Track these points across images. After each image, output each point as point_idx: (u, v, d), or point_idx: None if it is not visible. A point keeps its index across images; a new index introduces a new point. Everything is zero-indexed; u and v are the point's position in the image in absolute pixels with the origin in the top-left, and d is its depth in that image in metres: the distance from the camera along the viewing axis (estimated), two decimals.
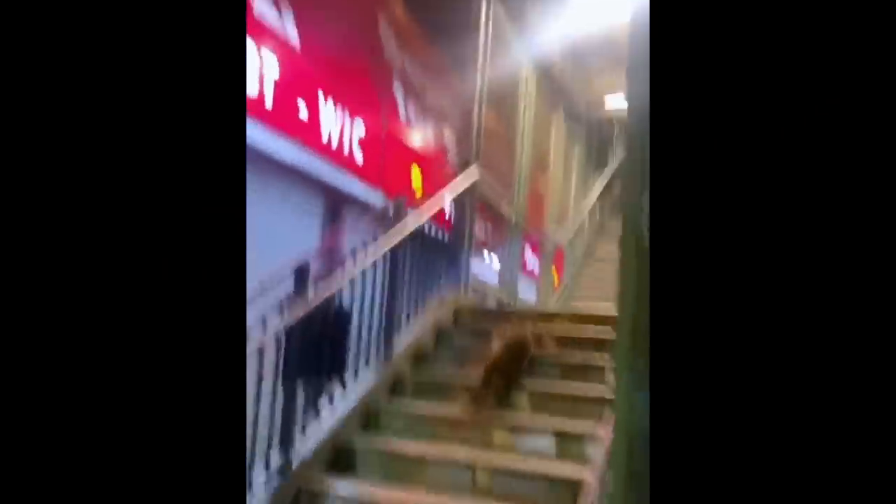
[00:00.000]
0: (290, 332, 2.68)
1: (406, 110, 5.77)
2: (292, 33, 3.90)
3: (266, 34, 3.59)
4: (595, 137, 8.88)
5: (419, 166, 5.91)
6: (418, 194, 5.09)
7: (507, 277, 5.70)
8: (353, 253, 3.23)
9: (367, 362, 3.38)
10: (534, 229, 6.46)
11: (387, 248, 3.42)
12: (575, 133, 7.89)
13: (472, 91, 4.73)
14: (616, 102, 7.77)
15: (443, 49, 5.50)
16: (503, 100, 5.35)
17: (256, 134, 3.59)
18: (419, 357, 3.81)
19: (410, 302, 3.83)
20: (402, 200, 3.70)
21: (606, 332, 3.69)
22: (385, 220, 3.55)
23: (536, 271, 6.90)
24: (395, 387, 3.54)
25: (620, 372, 1.14)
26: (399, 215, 3.60)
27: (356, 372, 3.29)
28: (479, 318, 4.21)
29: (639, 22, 1.10)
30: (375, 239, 3.38)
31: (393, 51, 5.54)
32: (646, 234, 1.08)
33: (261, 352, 2.52)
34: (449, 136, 6.74)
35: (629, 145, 1.19)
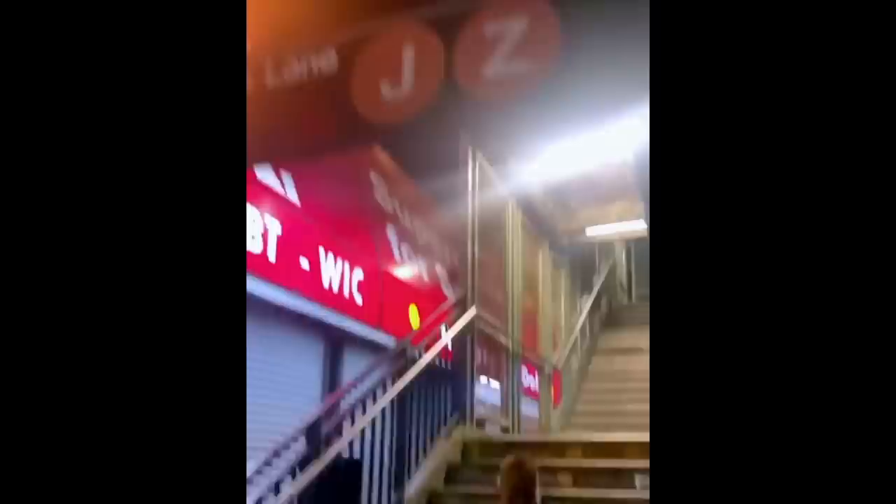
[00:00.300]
0: (303, 497, 2.56)
1: (400, 251, 5.94)
2: (293, 196, 4.10)
3: (269, 199, 3.77)
4: (579, 263, 9.11)
5: (416, 303, 5.97)
6: (415, 328, 5.10)
7: (509, 400, 5.58)
8: (363, 400, 3.18)
9: None
10: (530, 352, 6.42)
11: (395, 393, 3.36)
12: (560, 261, 8.09)
13: (460, 229, 4.89)
14: (596, 231, 8.06)
15: (431, 192, 5.78)
16: (492, 237, 5.54)
17: (261, 287, 3.66)
18: (430, 502, 3.62)
19: (419, 442, 3.71)
20: (408, 342, 3.70)
21: (621, 463, 3.57)
22: (394, 362, 3.52)
23: (535, 388, 6.79)
24: None
25: None
26: (406, 357, 3.58)
27: None
28: (487, 452, 4.06)
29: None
30: (384, 383, 3.34)
31: (385, 199, 5.81)
32: None
33: None
34: (441, 270, 6.88)
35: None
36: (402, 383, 3.41)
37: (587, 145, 5.63)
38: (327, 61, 1.47)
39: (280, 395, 4.11)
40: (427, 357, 3.78)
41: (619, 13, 1.39)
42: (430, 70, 1.30)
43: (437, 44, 1.33)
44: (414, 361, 3.63)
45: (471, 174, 4.93)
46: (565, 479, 3.57)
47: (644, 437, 3.92)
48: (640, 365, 7.58)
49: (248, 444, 1.22)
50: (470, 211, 4.83)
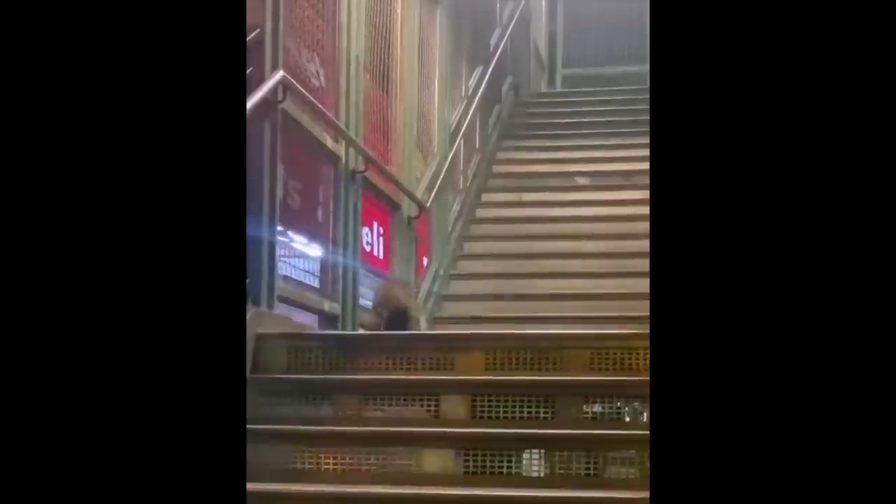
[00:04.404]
0: None
1: None
2: None
3: None
4: (468, 5, 8.89)
5: None
6: None
7: (338, 271, 5.52)
8: None
9: None
10: (377, 176, 6.30)
11: None
12: (436, 2, 7.82)
13: None
14: None
15: None
16: None
17: None
18: None
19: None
20: None
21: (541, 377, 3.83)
22: None
23: (382, 254, 6.80)
24: None
25: None
26: None
27: None
28: (301, 356, 4.12)
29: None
30: None
31: None
32: None
33: None
34: None
35: None
36: None
37: None
38: None
39: None
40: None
41: None
42: None
43: None
44: None
45: None
46: (454, 406, 3.74)
47: (581, 331, 4.45)
48: (572, 210, 8.02)
49: None
50: None
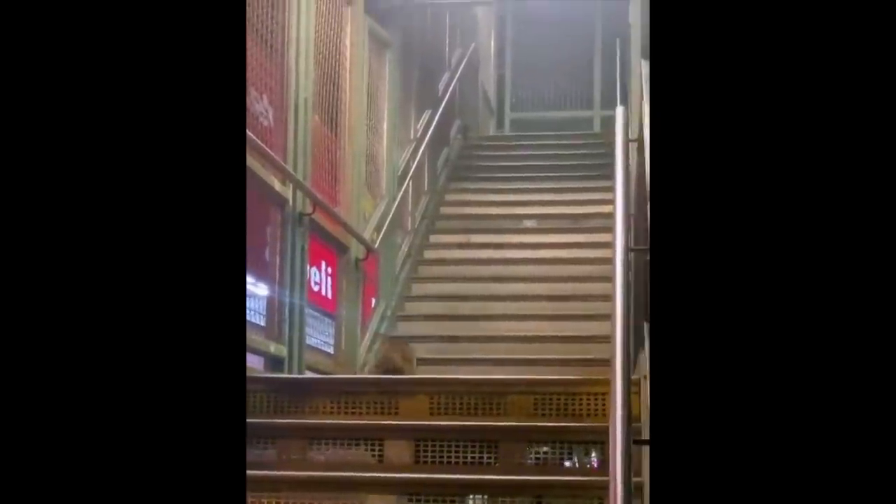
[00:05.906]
0: None
1: None
2: None
3: None
4: (416, 48, 8.91)
5: None
6: None
7: (284, 313, 5.47)
8: None
9: None
10: (325, 218, 6.26)
11: None
12: (383, 37, 7.83)
13: None
14: None
15: None
16: None
17: None
18: None
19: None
20: None
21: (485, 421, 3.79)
22: None
23: (330, 295, 6.74)
24: None
25: None
26: None
27: None
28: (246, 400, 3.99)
29: None
30: None
31: None
32: None
33: None
34: None
35: None
36: None
37: None
38: None
39: None
40: None
41: None
42: None
43: None
44: None
45: None
46: (398, 451, 3.74)
47: (526, 375, 4.28)
48: (519, 252, 8.06)
49: None
50: None
